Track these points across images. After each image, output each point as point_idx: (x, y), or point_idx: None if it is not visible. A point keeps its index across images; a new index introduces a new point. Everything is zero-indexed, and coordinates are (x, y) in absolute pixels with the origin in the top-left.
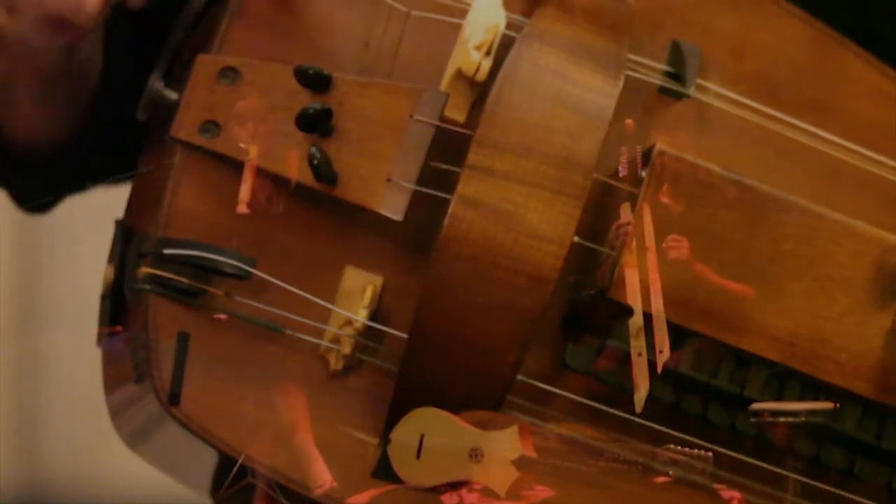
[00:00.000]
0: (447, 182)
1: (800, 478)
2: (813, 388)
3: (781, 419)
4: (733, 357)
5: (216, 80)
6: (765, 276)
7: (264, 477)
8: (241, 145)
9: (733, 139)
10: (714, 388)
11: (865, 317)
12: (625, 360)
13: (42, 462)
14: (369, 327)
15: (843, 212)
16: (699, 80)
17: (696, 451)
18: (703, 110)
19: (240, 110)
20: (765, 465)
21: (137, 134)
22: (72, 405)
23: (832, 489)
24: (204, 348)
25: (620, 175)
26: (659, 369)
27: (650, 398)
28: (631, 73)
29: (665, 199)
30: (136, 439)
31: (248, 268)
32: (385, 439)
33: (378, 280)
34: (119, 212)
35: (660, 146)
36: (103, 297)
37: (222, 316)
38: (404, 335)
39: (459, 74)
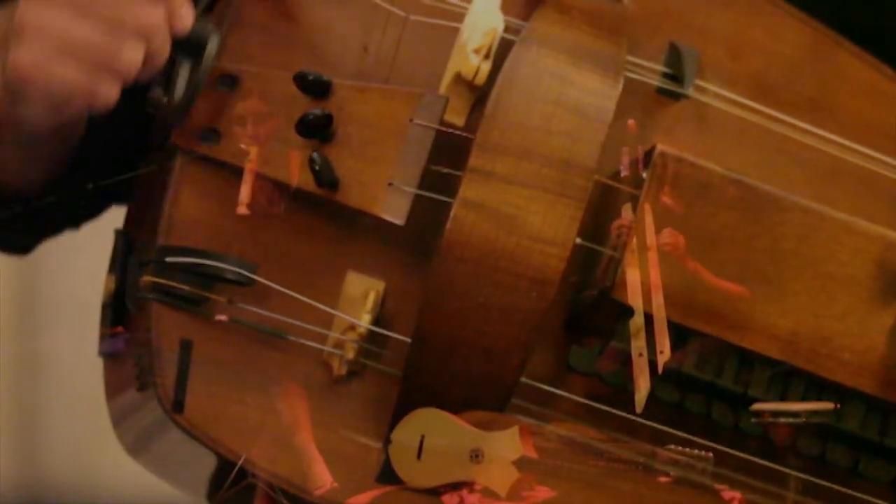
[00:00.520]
0: (448, 186)
1: (804, 476)
2: (817, 386)
3: (782, 420)
4: (737, 356)
5: (215, 87)
6: (766, 275)
7: (265, 479)
8: (242, 146)
9: (732, 139)
10: (718, 387)
11: (867, 314)
12: (628, 361)
13: (42, 462)
14: (372, 332)
15: (843, 210)
16: (697, 81)
17: (696, 451)
18: (701, 111)
19: (240, 116)
20: (769, 464)
21: (121, 172)
22: (72, 406)
23: (837, 487)
24: (207, 355)
25: (622, 176)
26: (660, 370)
27: (654, 398)
28: (629, 75)
29: (666, 200)
30: (138, 447)
31: (250, 274)
32: (388, 444)
33: (380, 285)
34: (119, 211)
35: (660, 147)
36: (104, 306)
37: (224, 318)
38: (407, 339)
39: (458, 78)
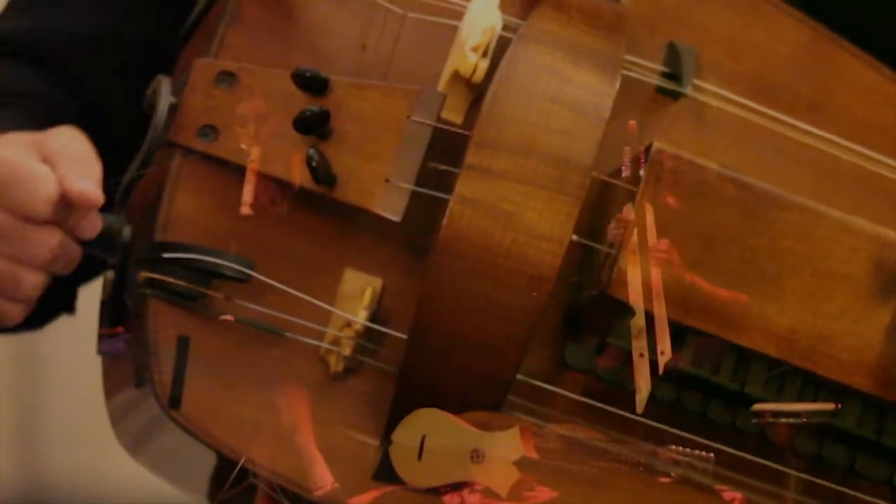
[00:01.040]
0: (445, 182)
1: (801, 475)
2: (813, 384)
3: (783, 420)
4: (734, 354)
5: (214, 85)
6: (763, 273)
7: (265, 478)
8: (243, 146)
9: (731, 138)
10: (715, 385)
11: (864, 313)
12: (625, 359)
13: (42, 463)
14: (369, 329)
15: (841, 209)
16: (696, 80)
17: (697, 451)
18: (700, 110)
19: (238, 114)
20: (766, 463)
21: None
22: (71, 406)
23: (834, 486)
24: (204, 352)
25: (624, 175)
26: (661, 370)
27: (651, 396)
28: (628, 74)
29: (663, 197)
30: (136, 445)
31: (247, 270)
32: (385, 441)
33: (377, 281)
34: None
35: (657, 144)
36: (103, 303)
37: (229, 317)
38: (404, 336)
39: (456, 76)
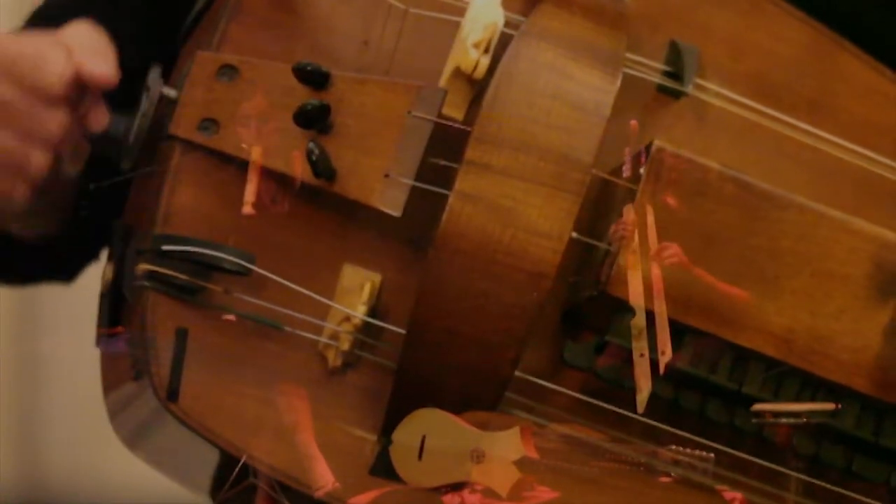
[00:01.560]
0: (445, 178)
1: (799, 475)
2: (811, 384)
3: (783, 420)
4: (732, 353)
5: (215, 78)
6: (763, 273)
7: (265, 477)
8: (244, 145)
9: (732, 138)
10: (713, 384)
11: (863, 313)
12: (624, 357)
13: (42, 463)
14: (368, 324)
15: (841, 210)
16: (697, 80)
17: (697, 451)
18: (701, 109)
19: (239, 108)
20: (764, 463)
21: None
22: (71, 407)
23: (832, 487)
24: (202, 345)
25: (625, 175)
26: (661, 370)
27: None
28: (630, 72)
29: (663, 196)
30: (135, 439)
31: (246, 264)
32: (383, 436)
33: (376, 276)
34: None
35: (658, 143)
36: (102, 296)
37: (232, 318)
38: (403, 331)
39: (458, 72)
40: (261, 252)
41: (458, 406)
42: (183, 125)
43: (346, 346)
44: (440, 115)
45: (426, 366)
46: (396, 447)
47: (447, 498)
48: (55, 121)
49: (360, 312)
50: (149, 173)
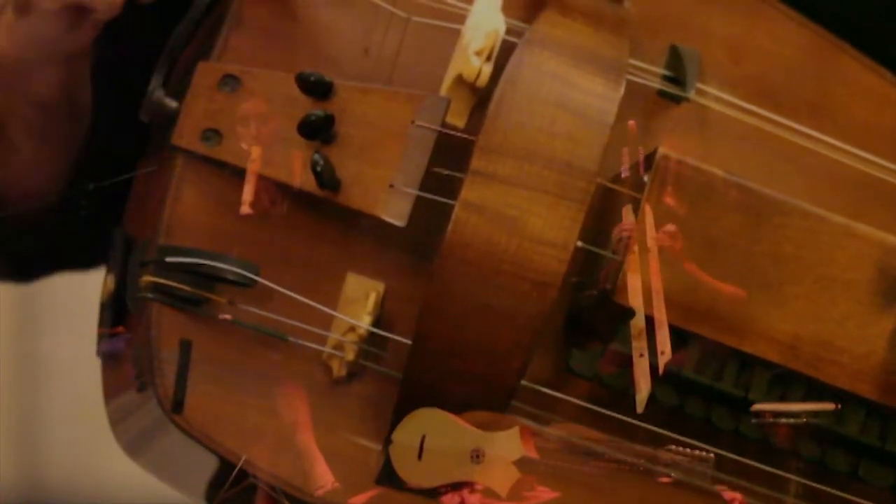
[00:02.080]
0: (449, 187)
1: (804, 481)
2: (817, 390)
3: (783, 420)
4: (737, 360)
5: (217, 88)
6: (767, 279)
7: (266, 482)
8: (243, 145)
9: (733, 142)
10: (718, 391)
11: (868, 319)
12: (629, 365)
13: (42, 464)
14: (372, 334)
15: (843, 214)
16: (698, 84)
17: (697, 451)
18: (702, 114)
19: (242, 117)
20: (768, 469)
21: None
22: (71, 407)
23: (836, 492)
24: (207, 356)
25: (623, 176)
26: (661, 370)
27: (654, 402)
28: (631, 78)
29: (667, 203)
30: (136, 447)
31: (250, 275)
32: (388, 445)
33: (381, 286)
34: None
35: (662, 150)
36: (103, 306)
37: (227, 316)
38: (408, 341)
39: (460, 80)
40: (264, 262)
41: (462, 414)
42: (185, 136)
43: (350, 356)
44: (443, 125)
45: (431, 375)
46: (396, 447)
47: (447, 498)
48: None
49: (364, 323)
50: (149, 174)
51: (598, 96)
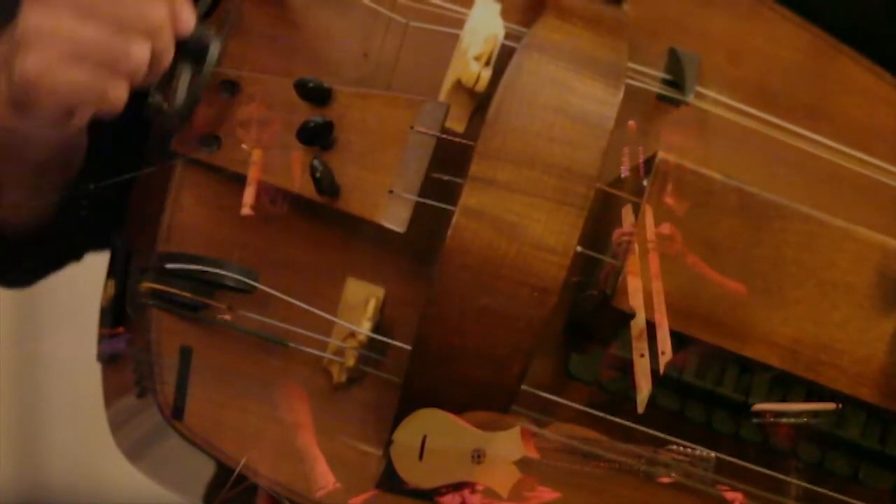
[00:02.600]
0: (449, 193)
1: (804, 484)
2: (817, 394)
3: (784, 420)
4: (737, 365)
5: (215, 94)
6: (767, 283)
7: (266, 486)
8: (244, 146)
9: (733, 145)
10: (718, 395)
11: (868, 322)
12: (628, 369)
13: (42, 465)
14: (372, 339)
15: (843, 217)
16: (697, 88)
17: (697, 451)
18: (702, 117)
19: (241, 122)
20: (769, 472)
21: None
22: (72, 409)
23: (836, 495)
24: (207, 362)
25: (623, 176)
26: (661, 371)
27: (654, 405)
28: (630, 82)
29: (667, 207)
30: (137, 453)
31: (250, 281)
32: (388, 451)
33: (380, 292)
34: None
35: (662, 154)
36: (103, 311)
37: (227, 317)
38: (408, 347)
39: (458, 85)
40: (264, 268)
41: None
42: (184, 141)
43: (350, 361)
44: (442, 130)
45: (432, 381)
46: (397, 448)
47: (448, 498)
48: (156, 12)
49: (364, 328)
50: (148, 179)
51: (598, 101)
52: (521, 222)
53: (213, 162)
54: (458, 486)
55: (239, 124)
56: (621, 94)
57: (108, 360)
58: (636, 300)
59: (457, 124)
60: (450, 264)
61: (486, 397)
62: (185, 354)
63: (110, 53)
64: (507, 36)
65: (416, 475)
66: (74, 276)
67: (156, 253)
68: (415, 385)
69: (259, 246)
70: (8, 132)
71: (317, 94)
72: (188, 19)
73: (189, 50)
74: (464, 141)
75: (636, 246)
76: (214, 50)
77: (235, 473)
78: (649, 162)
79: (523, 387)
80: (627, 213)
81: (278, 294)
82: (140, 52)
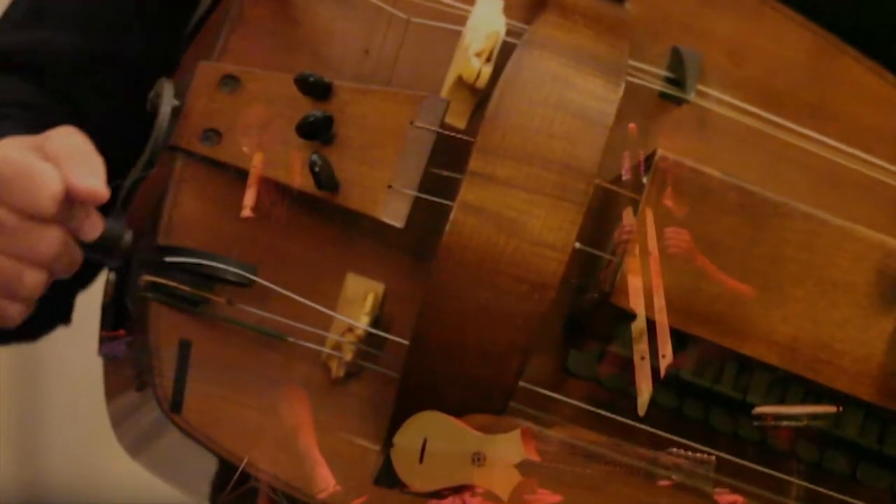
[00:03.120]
0: (448, 189)
1: (802, 483)
2: (816, 393)
3: (784, 423)
4: (736, 362)
5: (217, 88)
6: (766, 281)
7: (267, 483)
8: (245, 149)
9: (734, 144)
10: (717, 393)
11: (867, 322)
12: (627, 366)
13: (42, 464)
14: (371, 334)
15: (844, 216)
16: (699, 86)
17: (698, 455)
18: (703, 116)
19: (241, 118)
20: (767, 471)
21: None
22: (71, 407)
23: (835, 494)
24: (206, 356)
25: (624, 179)
26: (662, 373)
27: (652, 403)
28: (632, 79)
29: (666, 205)
30: (138, 447)
31: (249, 275)
32: (387, 446)
33: (379, 287)
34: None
35: (661, 152)
36: (105, 306)
37: (226, 308)
38: (406, 342)
39: (460, 81)
40: (264, 262)
41: (461, 415)
42: (185, 136)
43: (349, 356)
44: (443, 125)
45: (429, 376)
46: (397, 450)
47: (448, 501)
48: (48, 239)
49: (363, 323)
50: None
51: (598, 97)
52: (519, 218)
53: (214, 156)
54: (458, 490)
55: (238, 123)
56: (621, 91)
57: (109, 357)
58: (637, 302)
59: (458, 121)
60: (448, 260)
61: (484, 393)
62: (184, 348)
63: (4, 280)
64: (509, 33)
65: (416, 478)
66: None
67: (156, 246)
68: (413, 380)
69: (259, 240)
70: None
71: (317, 89)
72: (93, 228)
73: (101, 245)
74: (464, 137)
75: (636, 246)
76: (128, 238)
77: (237, 474)
78: (649, 159)
79: (522, 383)
80: (628, 215)
81: (277, 288)
82: (34, 279)
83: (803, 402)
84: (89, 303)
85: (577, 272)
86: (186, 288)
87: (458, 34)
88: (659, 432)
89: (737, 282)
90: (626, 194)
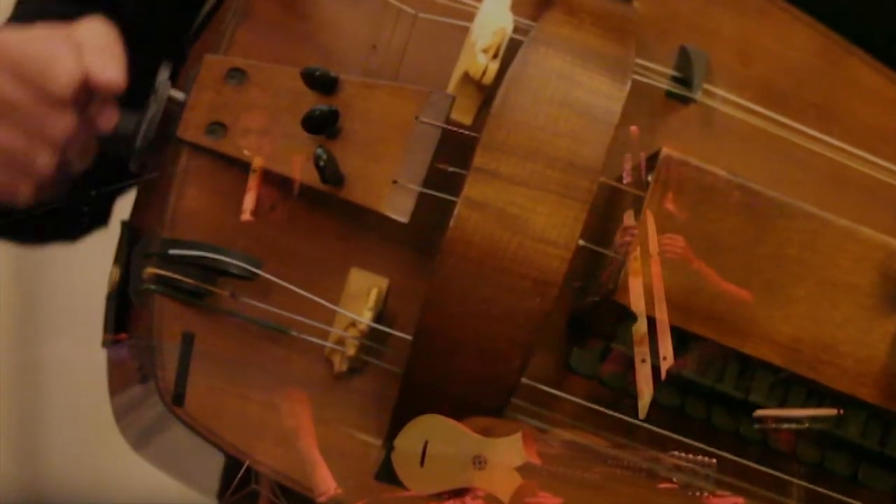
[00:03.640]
0: (453, 184)
1: (804, 483)
2: (818, 393)
3: (785, 426)
4: (738, 362)
5: (223, 82)
6: (769, 281)
7: (268, 482)
8: (246, 152)
9: (739, 144)
10: (718, 392)
11: (870, 322)
12: (629, 364)
13: (42, 463)
14: (374, 329)
15: (848, 217)
16: (706, 86)
17: (700, 457)
18: (709, 115)
19: (247, 111)
20: (768, 471)
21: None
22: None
23: (836, 495)
24: (209, 349)
25: (625, 182)
26: (663, 375)
27: (654, 402)
28: (638, 78)
29: (670, 204)
30: (141, 441)
31: (253, 269)
32: (389, 442)
33: (383, 282)
34: (119, 209)
35: (665, 150)
36: (109, 298)
37: (230, 301)
38: (409, 337)
39: (466, 77)
40: (268, 256)
41: (463, 412)
42: (190, 128)
43: (352, 351)
44: (448, 121)
45: (432, 372)
46: (398, 453)
47: None
48: (62, 123)
49: (366, 318)
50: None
51: (603, 95)
52: (523, 215)
53: (219, 149)
54: (459, 492)
55: (244, 116)
56: (627, 89)
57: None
58: (638, 303)
59: (465, 117)
60: (451, 255)
61: (485, 390)
62: (187, 340)
63: (18, 157)
64: (516, 30)
65: (417, 481)
66: (74, 277)
67: (160, 239)
68: (415, 376)
69: (263, 234)
70: None
71: (323, 83)
72: (108, 119)
73: (114, 140)
74: (469, 132)
75: (637, 245)
76: (143, 137)
77: (241, 474)
78: (653, 158)
79: (524, 380)
80: (629, 218)
81: (281, 282)
82: (46, 159)
83: (805, 401)
84: (90, 302)
85: (581, 272)
86: (190, 281)
87: (466, 30)
88: (660, 431)
89: (735, 286)
90: (631, 192)
